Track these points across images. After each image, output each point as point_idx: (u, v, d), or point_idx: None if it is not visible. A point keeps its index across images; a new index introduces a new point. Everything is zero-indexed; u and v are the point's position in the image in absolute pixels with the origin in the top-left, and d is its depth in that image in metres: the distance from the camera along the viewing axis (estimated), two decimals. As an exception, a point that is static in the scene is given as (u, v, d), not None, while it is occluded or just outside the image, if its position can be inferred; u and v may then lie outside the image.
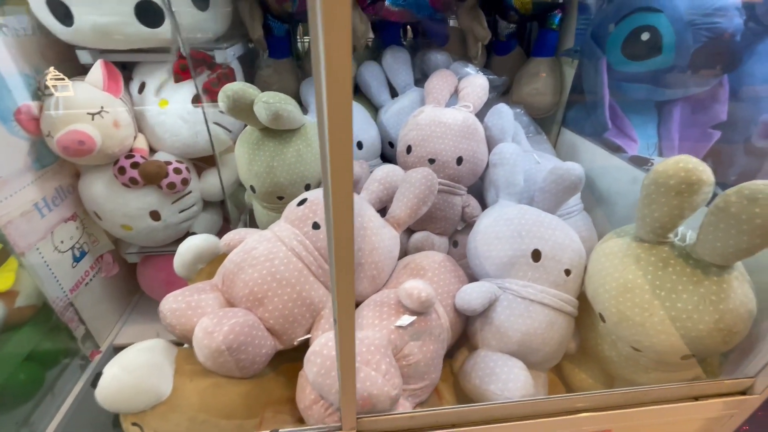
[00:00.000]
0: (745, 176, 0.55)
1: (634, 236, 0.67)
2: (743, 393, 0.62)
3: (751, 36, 1.04)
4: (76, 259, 0.98)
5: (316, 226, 0.70)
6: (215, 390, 0.58)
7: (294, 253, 0.68)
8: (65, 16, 0.83)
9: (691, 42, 0.89)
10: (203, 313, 0.62)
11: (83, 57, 0.92)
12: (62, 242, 0.94)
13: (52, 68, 0.87)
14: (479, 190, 1.04)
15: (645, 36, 0.95)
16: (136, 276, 1.17)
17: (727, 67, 0.93)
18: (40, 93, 0.86)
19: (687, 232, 0.64)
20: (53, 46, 0.92)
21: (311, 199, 0.74)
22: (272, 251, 0.67)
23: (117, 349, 1.08)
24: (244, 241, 0.73)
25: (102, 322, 1.07)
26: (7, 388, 0.84)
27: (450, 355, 0.79)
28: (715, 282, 0.57)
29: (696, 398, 0.61)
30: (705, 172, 0.56)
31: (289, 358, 0.73)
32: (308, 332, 0.67)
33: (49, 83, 0.84)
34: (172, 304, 0.63)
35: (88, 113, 0.86)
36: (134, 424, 0.55)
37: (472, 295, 0.71)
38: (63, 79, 0.86)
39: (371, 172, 0.90)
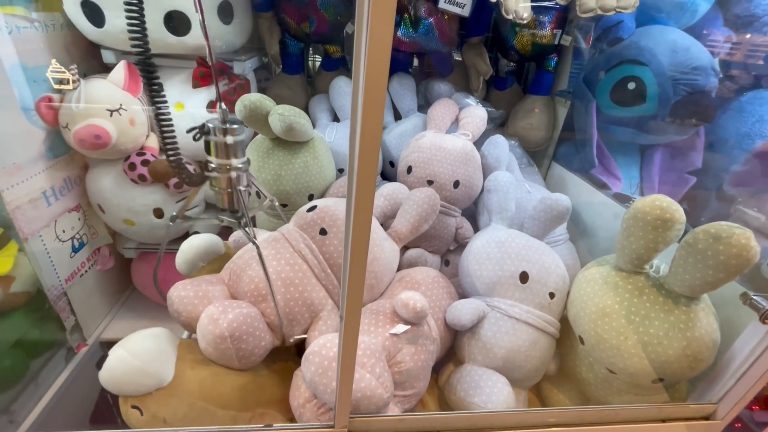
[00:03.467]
0: (716, 220, 0.61)
1: (614, 265, 0.73)
2: (707, 418, 0.67)
3: (726, 92, 1.15)
4: (75, 250, 0.99)
5: (323, 231, 0.74)
6: (214, 380, 0.61)
7: (300, 255, 0.72)
8: (97, 18, 0.87)
9: (672, 94, 0.98)
10: (209, 303, 0.65)
11: (107, 56, 0.96)
12: (64, 232, 0.95)
13: (75, 65, 0.91)
14: (472, 214, 1.09)
15: (631, 85, 1.04)
16: (129, 272, 1.18)
17: (703, 119, 1.02)
18: (62, 86, 0.89)
19: (661, 264, 0.70)
20: (78, 43, 0.96)
21: (321, 207, 0.78)
22: (280, 251, 0.71)
23: (104, 344, 1.08)
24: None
25: (91, 316, 1.07)
26: (-9, 373, 0.83)
27: (436, 369, 0.82)
28: (684, 311, 0.63)
29: (663, 420, 0.66)
30: (678, 211, 0.63)
31: (283, 359, 0.75)
32: (305, 332, 0.70)
33: (74, 78, 0.88)
34: (180, 291, 0.66)
35: (107, 109, 0.89)
36: (134, 407, 0.56)
37: (462, 311, 0.75)
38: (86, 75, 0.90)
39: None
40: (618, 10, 0.92)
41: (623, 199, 1.01)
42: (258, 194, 0.97)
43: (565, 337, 0.81)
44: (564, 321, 0.81)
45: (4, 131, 0.80)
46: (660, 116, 1.03)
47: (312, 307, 0.69)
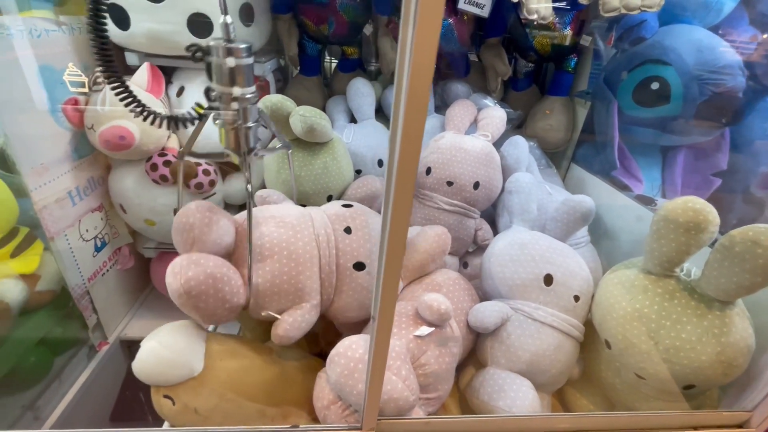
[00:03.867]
0: (743, 223, 0.60)
1: (642, 268, 0.71)
2: (740, 426, 0.65)
3: (751, 93, 1.12)
4: (97, 249, 1.00)
5: (348, 230, 0.74)
6: (243, 373, 0.61)
7: (316, 240, 0.70)
8: (122, 21, 0.89)
9: (697, 95, 0.96)
10: (220, 231, 0.62)
11: (131, 59, 0.97)
12: (87, 231, 0.96)
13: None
14: (491, 216, 1.08)
15: (655, 85, 1.02)
16: (148, 271, 1.19)
17: (729, 120, 0.99)
18: (87, 88, 0.91)
19: (692, 267, 0.68)
20: (102, 46, 0.98)
21: (356, 208, 0.78)
22: (301, 225, 0.70)
23: (124, 342, 1.09)
24: (282, 204, 0.77)
25: (112, 314, 1.08)
26: (17, 370, 0.84)
27: (456, 372, 0.81)
28: (717, 316, 0.61)
29: (695, 428, 0.64)
30: (711, 213, 0.61)
31: (311, 357, 0.75)
32: (280, 313, 0.66)
33: (99, 80, 0.89)
34: (203, 205, 0.62)
35: (131, 111, 0.90)
36: (166, 396, 0.57)
37: (485, 313, 0.75)
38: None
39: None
40: (643, 8, 0.90)
41: (646, 201, 0.99)
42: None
43: (588, 341, 0.80)
44: (587, 325, 0.79)
45: (33, 133, 0.82)
46: (684, 117, 1.01)
47: (300, 293, 0.67)
